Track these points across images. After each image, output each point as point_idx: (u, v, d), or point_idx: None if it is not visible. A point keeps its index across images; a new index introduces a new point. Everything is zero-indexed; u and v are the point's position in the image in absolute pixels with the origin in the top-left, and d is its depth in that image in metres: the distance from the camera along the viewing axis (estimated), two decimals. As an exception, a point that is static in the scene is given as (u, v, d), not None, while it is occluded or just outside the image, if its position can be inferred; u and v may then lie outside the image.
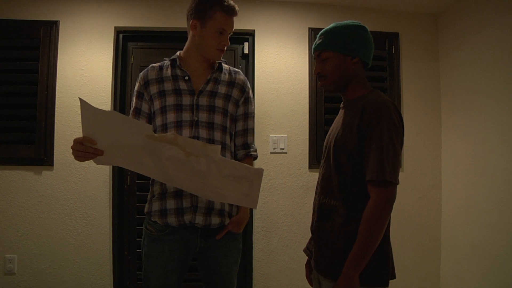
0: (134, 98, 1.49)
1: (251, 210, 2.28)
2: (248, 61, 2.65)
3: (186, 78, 1.44)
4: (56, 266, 2.38)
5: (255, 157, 1.57)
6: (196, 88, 1.43)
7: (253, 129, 1.57)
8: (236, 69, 1.56)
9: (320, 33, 1.30)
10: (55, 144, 2.41)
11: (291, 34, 2.65)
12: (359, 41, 1.26)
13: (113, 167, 2.47)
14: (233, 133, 1.52)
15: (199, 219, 1.38)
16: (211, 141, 1.40)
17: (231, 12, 1.40)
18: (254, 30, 2.63)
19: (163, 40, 2.62)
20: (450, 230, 2.59)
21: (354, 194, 1.19)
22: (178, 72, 1.45)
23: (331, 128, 1.35)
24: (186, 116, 1.40)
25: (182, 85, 1.43)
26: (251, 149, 1.55)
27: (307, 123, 2.61)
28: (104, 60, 2.49)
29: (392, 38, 2.72)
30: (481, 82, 2.32)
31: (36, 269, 2.37)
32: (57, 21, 2.47)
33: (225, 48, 1.45)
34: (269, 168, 2.55)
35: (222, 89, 1.46)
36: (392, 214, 1.14)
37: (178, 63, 1.45)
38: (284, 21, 2.65)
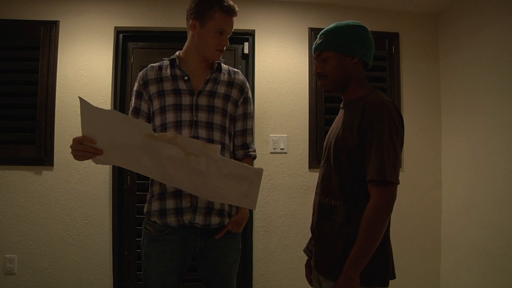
0: (133, 98, 1.49)
1: (251, 210, 2.28)
2: (248, 61, 2.65)
3: (186, 78, 1.44)
4: (56, 266, 2.38)
5: (254, 157, 1.57)
6: (195, 88, 1.43)
7: (252, 129, 1.58)
8: (235, 69, 1.56)
9: (320, 33, 1.30)
10: (55, 144, 2.41)
11: (291, 34, 2.65)
12: (359, 41, 1.25)
13: (113, 167, 2.47)
14: (232, 133, 1.52)
15: (199, 219, 1.37)
16: (210, 141, 1.40)
17: (230, 12, 1.39)
18: (254, 30, 2.63)
19: (163, 40, 2.62)
20: (450, 230, 2.59)
21: (354, 194, 1.19)
22: (178, 72, 1.45)
23: (331, 128, 1.35)
24: (185, 116, 1.40)
25: (182, 85, 1.43)
26: (250, 149, 1.55)
27: (307, 123, 2.61)
28: (104, 60, 2.49)
29: (392, 38, 2.72)
30: (481, 82, 2.32)
31: (36, 269, 2.37)
32: (57, 21, 2.47)
33: (225, 48, 1.45)
34: (269, 168, 2.55)
35: (221, 89, 1.46)
36: (392, 214, 1.14)
37: (177, 63, 1.45)
38: (284, 21, 2.65)
